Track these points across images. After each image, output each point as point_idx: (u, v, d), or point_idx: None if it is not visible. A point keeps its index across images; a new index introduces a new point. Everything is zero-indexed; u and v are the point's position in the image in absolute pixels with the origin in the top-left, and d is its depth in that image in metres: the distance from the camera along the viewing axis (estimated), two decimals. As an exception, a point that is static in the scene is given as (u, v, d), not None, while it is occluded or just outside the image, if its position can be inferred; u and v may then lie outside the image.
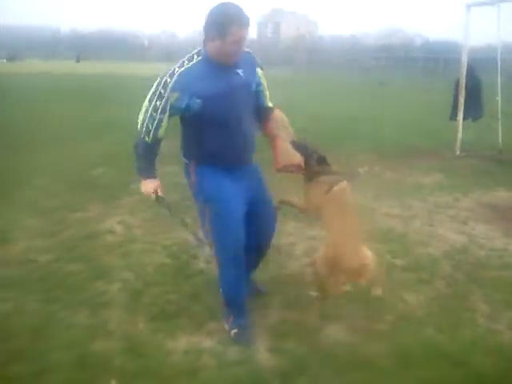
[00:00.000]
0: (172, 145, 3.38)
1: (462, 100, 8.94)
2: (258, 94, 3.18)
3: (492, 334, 3.25)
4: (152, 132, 2.84)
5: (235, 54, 2.85)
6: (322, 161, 3.36)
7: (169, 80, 2.77)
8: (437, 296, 3.73)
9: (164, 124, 2.84)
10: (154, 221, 5.06)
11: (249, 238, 3.06)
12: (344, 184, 3.33)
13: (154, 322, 3.27)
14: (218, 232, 3.01)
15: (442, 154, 8.86)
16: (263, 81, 3.21)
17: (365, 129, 11.55)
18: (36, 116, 12.04)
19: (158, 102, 2.78)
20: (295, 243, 4.69)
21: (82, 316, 3.35)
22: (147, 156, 2.96)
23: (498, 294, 3.73)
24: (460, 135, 8.90)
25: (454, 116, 9.30)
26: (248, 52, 3.07)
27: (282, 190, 4.08)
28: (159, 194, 3.06)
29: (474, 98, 9.23)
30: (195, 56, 2.89)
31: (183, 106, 2.80)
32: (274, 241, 4.57)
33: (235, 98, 2.89)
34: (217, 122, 2.88)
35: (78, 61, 52.83)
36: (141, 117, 2.86)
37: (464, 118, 9.07)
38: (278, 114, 3.29)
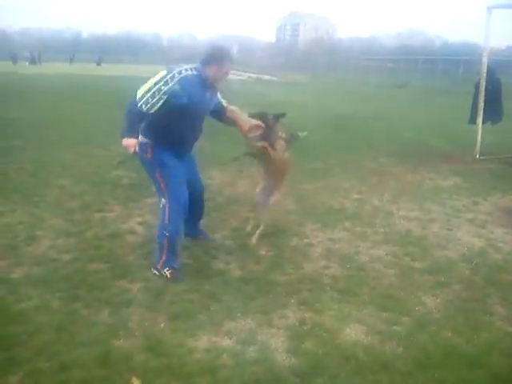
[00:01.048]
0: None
1: (481, 102, 8.88)
2: (218, 107, 4.19)
3: (509, 336, 3.27)
4: (149, 105, 3.69)
5: (223, 79, 3.99)
6: (276, 118, 4.46)
7: (177, 76, 3.72)
8: (455, 299, 3.75)
9: (159, 104, 3.70)
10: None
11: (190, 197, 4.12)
12: (282, 142, 4.53)
13: (174, 321, 3.33)
14: (172, 190, 3.97)
15: (461, 157, 8.82)
16: (220, 98, 4.23)
17: (383, 131, 11.54)
18: (59, 116, 12.22)
19: (163, 87, 3.67)
20: (312, 245, 4.72)
21: (104, 314, 3.41)
22: (136, 121, 3.82)
23: (516, 298, 3.74)
24: (479, 138, 8.85)
25: (472, 120, 9.24)
26: None
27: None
28: (136, 150, 3.87)
29: (493, 100, 9.15)
30: (194, 70, 3.84)
31: (176, 96, 3.70)
32: (292, 242, 4.68)
33: (204, 108, 3.99)
34: (187, 120, 3.88)
35: (99, 64, 53.27)
36: (142, 92, 3.71)
37: (483, 122, 9.01)
38: (231, 107, 4.26)
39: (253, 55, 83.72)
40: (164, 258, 4.01)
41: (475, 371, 2.87)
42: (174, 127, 3.87)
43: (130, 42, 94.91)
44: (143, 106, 3.69)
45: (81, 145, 8.88)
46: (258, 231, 4.74)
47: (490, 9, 8.65)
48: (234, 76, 38.85)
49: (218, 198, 6.00)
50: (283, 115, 4.50)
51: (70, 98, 16.52)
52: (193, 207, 4.28)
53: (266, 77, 40.73)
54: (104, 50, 77.54)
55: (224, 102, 4.25)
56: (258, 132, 4.26)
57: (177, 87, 3.69)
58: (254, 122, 4.18)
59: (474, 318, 3.46)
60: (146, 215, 5.29)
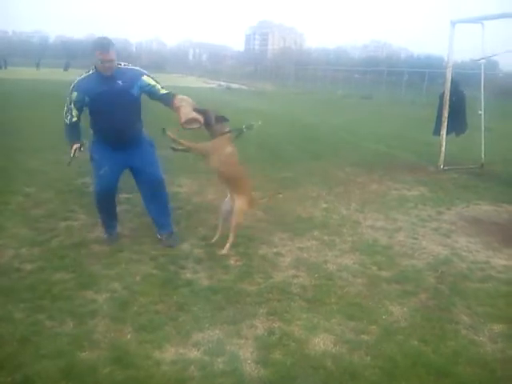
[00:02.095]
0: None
1: (445, 114, 9.09)
2: (150, 91, 4.49)
3: (474, 345, 3.32)
4: (68, 116, 4.44)
5: (103, 69, 4.27)
6: (219, 119, 4.57)
7: (72, 84, 4.38)
8: (421, 307, 3.80)
9: (74, 112, 4.43)
10: (142, 230, 5.08)
11: (141, 185, 4.77)
12: (228, 136, 4.62)
13: (141, 332, 3.28)
14: (95, 180, 4.71)
15: (425, 168, 9.00)
16: (150, 81, 4.48)
17: (349, 141, 11.69)
18: (23, 122, 11.96)
19: (67, 98, 4.41)
20: (281, 254, 4.72)
21: (69, 325, 3.34)
22: (71, 131, 4.53)
23: (480, 306, 3.82)
24: (443, 149, 9.05)
25: (437, 131, 9.44)
26: (132, 68, 4.52)
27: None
28: (81, 149, 4.48)
29: (457, 112, 9.39)
30: (91, 70, 4.37)
31: (79, 100, 4.36)
32: (261, 251, 4.68)
33: (113, 98, 4.32)
34: (100, 113, 4.39)
35: (66, 69, 52.39)
36: (64, 110, 4.46)
37: (447, 133, 9.22)
38: (183, 97, 4.45)
39: (222, 63, 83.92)
40: (103, 228, 4.90)
41: (442, 380, 2.92)
42: (98, 122, 4.50)
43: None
44: (66, 121, 4.48)
45: (47, 151, 8.68)
46: (228, 243, 4.67)
47: (453, 23, 8.89)
48: (204, 84, 38.86)
49: (186, 207, 5.97)
50: (226, 119, 4.65)
51: (36, 104, 16.22)
52: (144, 193, 4.81)
53: (235, 85, 40.85)
54: (72, 54, 76.40)
55: (163, 90, 4.50)
56: (195, 126, 4.39)
57: (75, 93, 4.34)
58: (193, 115, 4.32)
59: (440, 327, 3.52)
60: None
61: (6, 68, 49.45)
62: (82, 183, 6.78)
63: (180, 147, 4.62)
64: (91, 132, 4.64)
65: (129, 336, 3.25)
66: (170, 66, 74.60)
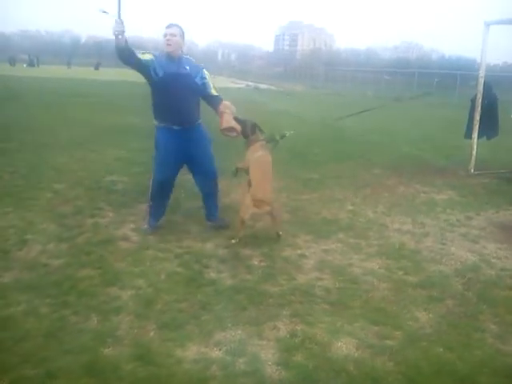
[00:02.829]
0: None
1: (477, 117, 8.91)
2: (204, 85, 4.88)
3: (501, 354, 3.24)
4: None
5: (166, 46, 4.63)
6: (254, 127, 5.02)
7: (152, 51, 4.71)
8: (447, 314, 3.73)
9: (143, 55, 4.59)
10: (168, 228, 5.11)
11: (196, 173, 5.14)
12: (262, 143, 5.03)
13: (164, 330, 3.30)
14: (155, 170, 4.96)
15: (455, 172, 8.84)
16: (207, 77, 4.90)
17: (378, 143, 11.57)
18: (54, 119, 12.20)
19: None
20: (305, 256, 4.70)
21: (93, 321, 3.38)
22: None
23: (508, 315, 3.72)
24: (474, 153, 8.87)
25: (468, 135, 9.26)
26: (193, 60, 4.89)
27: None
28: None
29: (489, 116, 9.18)
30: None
31: (152, 64, 4.58)
32: (284, 253, 4.66)
33: (180, 80, 4.66)
34: (166, 93, 4.65)
35: (97, 68, 53.25)
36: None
37: (479, 136, 9.04)
38: (227, 103, 4.88)
39: (251, 64, 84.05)
40: (145, 222, 5.07)
41: (466, 388, 2.86)
42: (162, 102, 4.74)
43: (131, 47, 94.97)
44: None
45: (75, 149, 8.85)
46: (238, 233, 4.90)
47: (487, 24, 8.71)
48: (232, 84, 38.97)
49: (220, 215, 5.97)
50: (259, 128, 5.08)
51: (66, 102, 16.52)
52: (201, 185, 5.19)
53: (264, 86, 40.86)
54: (103, 54, 77.56)
55: (214, 92, 4.94)
56: (233, 134, 4.85)
57: (151, 56, 4.62)
58: (233, 124, 4.77)
59: (466, 335, 3.44)
60: (139, 221, 5.26)
61: (38, 66, 50.49)
62: (110, 181, 6.87)
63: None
64: (154, 121, 4.91)
65: (152, 333, 3.27)
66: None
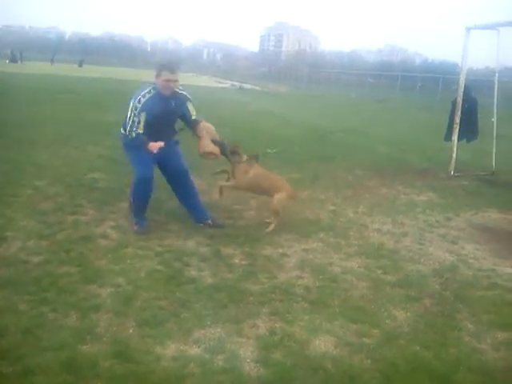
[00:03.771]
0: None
1: (457, 120, 9.03)
2: (185, 114, 5.07)
3: (477, 352, 3.30)
4: (134, 131, 4.79)
5: (165, 89, 4.84)
6: (233, 151, 5.19)
7: (138, 104, 4.77)
8: (424, 313, 3.78)
9: (141, 128, 4.78)
10: (149, 227, 5.09)
11: (170, 174, 5.28)
12: (248, 163, 5.25)
13: (143, 328, 3.30)
14: (136, 166, 5.01)
15: (435, 173, 8.95)
16: (190, 107, 5.08)
17: (361, 145, 11.65)
18: (35, 116, 12.04)
19: (133, 116, 4.78)
20: (286, 255, 4.72)
21: (72, 318, 3.36)
22: (141, 138, 4.80)
23: (484, 314, 3.80)
24: (454, 155, 8.99)
25: (448, 136, 9.39)
26: (182, 92, 5.08)
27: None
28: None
29: (469, 119, 9.32)
30: (152, 89, 4.86)
31: (146, 119, 4.78)
32: (266, 251, 4.68)
33: (166, 116, 4.91)
34: (151, 126, 4.81)
35: (80, 65, 52.65)
36: (127, 124, 4.84)
37: (459, 139, 9.16)
38: (206, 124, 5.04)
39: (236, 63, 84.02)
40: (134, 222, 5.05)
41: (441, 386, 2.90)
42: (145, 132, 4.83)
43: (114, 44, 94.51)
44: (132, 134, 4.80)
45: (58, 145, 8.77)
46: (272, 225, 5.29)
47: (468, 29, 8.83)
48: (216, 84, 38.89)
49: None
50: (238, 153, 5.26)
51: (49, 98, 16.34)
52: (177, 186, 5.32)
53: (248, 86, 40.86)
54: (87, 51, 76.96)
55: (194, 115, 5.09)
56: (211, 157, 5.06)
57: (144, 113, 4.76)
58: (210, 149, 4.95)
59: (442, 333, 3.50)
60: (119, 219, 5.24)
61: (21, 62, 49.85)
62: (92, 178, 6.82)
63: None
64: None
65: (131, 331, 3.27)
66: (184, 65, 74.93)
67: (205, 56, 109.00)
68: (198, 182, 6.97)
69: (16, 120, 11.09)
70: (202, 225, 5.25)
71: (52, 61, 54.77)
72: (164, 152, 4.94)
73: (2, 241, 4.52)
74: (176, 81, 4.90)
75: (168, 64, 4.96)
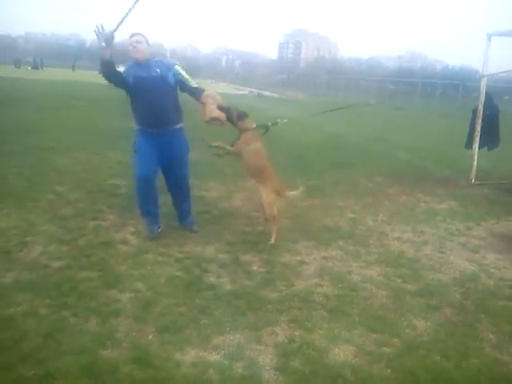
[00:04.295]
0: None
1: (478, 128, 8.94)
2: (180, 81, 4.90)
3: (498, 364, 3.26)
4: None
5: (134, 53, 4.76)
6: (241, 116, 5.03)
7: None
8: (445, 323, 3.74)
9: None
10: (168, 233, 5.13)
11: (169, 174, 5.16)
12: (254, 133, 5.08)
13: (163, 333, 3.32)
14: (137, 164, 4.94)
15: (456, 181, 8.85)
16: (181, 71, 4.89)
17: (380, 151, 11.58)
18: (58, 122, 12.23)
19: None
20: (305, 262, 4.71)
21: (92, 323, 3.40)
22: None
23: (506, 325, 3.74)
24: (475, 163, 8.89)
25: (469, 145, 9.27)
26: (165, 60, 5.16)
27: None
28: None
29: (490, 126, 9.20)
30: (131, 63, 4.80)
31: (126, 74, 4.72)
32: (284, 259, 4.67)
33: (151, 84, 4.74)
34: (141, 97, 4.76)
35: (100, 72, 53.24)
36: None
37: (480, 147, 9.06)
38: (211, 93, 4.94)
39: (255, 71, 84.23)
40: (145, 225, 5.09)
41: (462, 397, 2.87)
42: (139, 107, 4.85)
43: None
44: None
45: (78, 151, 8.89)
46: (273, 234, 5.11)
47: (489, 36, 8.75)
48: (235, 90, 39.06)
49: (213, 211, 6.01)
50: (246, 115, 5.12)
51: (70, 104, 16.57)
52: (173, 187, 5.25)
53: (267, 93, 40.93)
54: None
55: (195, 83, 4.94)
56: (217, 123, 4.87)
57: (122, 67, 4.79)
58: (216, 114, 4.80)
59: (463, 343, 3.46)
60: (139, 225, 5.28)
61: (42, 69, 50.61)
62: (112, 184, 6.89)
63: (222, 152, 5.22)
64: (134, 124, 5.01)
65: (150, 336, 3.29)
66: (203, 72, 75.33)
67: (223, 63, 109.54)
68: (218, 187, 7.06)
69: (38, 126, 11.27)
70: (180, 225, 5.37)
71: (73, 67, 55.56)
72: (172, 153, 4.97)
73: (24, 245, 4.59)
74: (138, 42, 4.76)
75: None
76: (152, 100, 4.75)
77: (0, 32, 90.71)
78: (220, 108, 4.87)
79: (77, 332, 3.28)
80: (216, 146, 5.22)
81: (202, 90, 4.92)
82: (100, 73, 4.92)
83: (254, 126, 5.14)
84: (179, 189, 5.27)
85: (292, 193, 5.30)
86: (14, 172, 7.10)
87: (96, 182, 6.95)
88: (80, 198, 6.12)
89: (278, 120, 5.33)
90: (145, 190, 4.98)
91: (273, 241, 5.07)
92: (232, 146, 5.11)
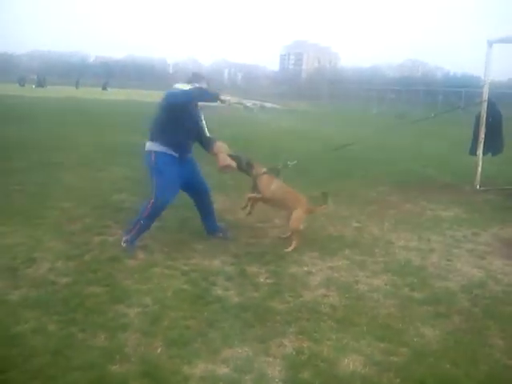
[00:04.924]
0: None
1: (482, 134, 8.95)
2: (202, 129, 5.28)
3: (509, 369, 3.24)
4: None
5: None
6: (248, 164, 5.41)
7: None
8: (453, 330, 3.72)
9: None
10: (174, 246, 5.14)
11: (194, 194, 5.44)
12: (268, 175, 5.43)
13: (171, 347, 3.31)
14: (158, 192, 4.96)
15: (461, 188, 8.85)
16: (204, 123, 5.30)
17: (383, 160, 11.60)
18: (63, 139, 12.32)
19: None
20: (311, 273, 4.71)
21: (100, 338, 3.40)
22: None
23: (516, 331, 3.72)
24: (480, 169, 8.89)
25: (473, 150, 9.29)
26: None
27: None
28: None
29: (494, 132, 9.20)
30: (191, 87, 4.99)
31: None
32: (291, 270, 4.67)
33: (193, 116, 5.12)
34: (181, 121, 4.94)
35: (104, 88, 53.64)
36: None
37: (484, 153, 9.06)
38: (221, 144, 5.23)
39: (256, 83, 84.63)
40: (129, 236, 5.03)
41: (473, 405, 2.85)
42: (178, 132, 4.95)
43: (137, 66, 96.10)
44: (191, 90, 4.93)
45: (84, 167, 8.95)
46: (293, 243, 5.32)
47: (490, 42, 8.79)
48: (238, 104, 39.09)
49: (218, 223, 6.00)
50: (251, 165, 5.44)
51: (74, 121, 16.68)
52: (200, 204, 5.50)
53: (269, 104, 41.01)
54: (110, 74, 78.46)
55: (208, 133, 5.30)
56: (229, 170, 5.32)
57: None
58: (229, 162, 5.16)
59: (472, 351, 3.44)
60: (146, 239, 5.28)
61: (45, 87, 50.97)
62: (118, 199, 6.93)
63: (250, 202, 5.58)
64: (151, 145, 5.02)
65: (159, 350, 3.29)
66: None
67: (226, 76, 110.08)
68: (222, 199, 7.08)
69: (43, 143, 11.36)
70: (211, 235, 5.55)
71: (77, 84, 55.97)
72: (190, 169, 5.22)
73: (31, 262, 4.60)
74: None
75: (202, 74, 5.44)
76: (190, 127, 5.08)
77: (4, 50, 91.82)
78: (230, 157, 5.23)
79: (85, 347, 3.27)
80: (248, 199, 5.57)
81: (215, 141, 5.24)
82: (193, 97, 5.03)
83: (264, 169, 5.46)
84: (208, 203, 5.52)
85: (322, 207, 5.67)
86: (19, 189, 7.15)
87: (102, 197, 6.99)
88: (86, 214, 6.15)
89: (289, 162, 5.74)
90: (159, 212, 5.13)
91: (290, 249, 5.24)
92: (252, 193, 5.50)
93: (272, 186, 5.38)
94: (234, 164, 5.22)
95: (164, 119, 5.00)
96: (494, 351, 3.45)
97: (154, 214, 5.06)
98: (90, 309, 3.77)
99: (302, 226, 5.40)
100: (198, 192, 5.42)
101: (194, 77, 5.23)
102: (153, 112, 5.18)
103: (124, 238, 5.06)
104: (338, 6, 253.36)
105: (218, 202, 6.98)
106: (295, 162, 5.66)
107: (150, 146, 5.04)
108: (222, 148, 5.21)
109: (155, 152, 4.99)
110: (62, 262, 4.65)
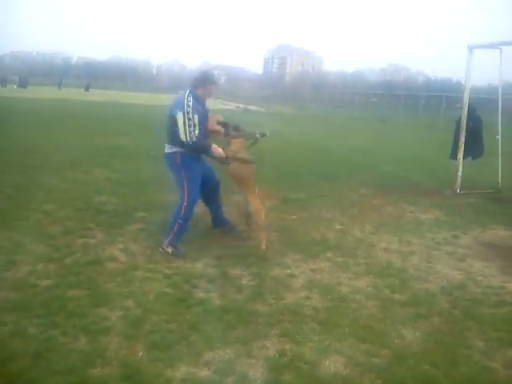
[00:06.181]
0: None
1: (462, 139, 9.07)
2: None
3: (487, 371, 3.28)
4: (193, 135, 4.91)
5: (209, 95, 5.34)
6: (236, 127, 5.43)
7: (189, 108, 4.92)
8: (433, 331, 3.76)
9: (197, 130, 4.94)
10: (156, 249, 5.12)
11: (209, 188, 5.48)
12: (242, 141, 5.45)
13: (153, 350, 3.30)
14: (190, 191, 5.11)
15: (441, 191, 8.96)
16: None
17: (365, 164, 11.69)
18: (44, 141, 12.18)
19: (187, 120, 4.90)
20: (294, 275, 4.72)
21: (81, 342, 3.36)
22: (201, 142, 5.05)
23: (494, 332, 3.77)
24: (460, 173, 9.01)
25: (454, 155, 9.42)
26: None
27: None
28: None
29: (474, 137, 9.35)
30: (190, 93, 5.03)
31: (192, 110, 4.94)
32: (273, 272, 4.68)
33: (204, 115, 5.16)
34: (200, 130, 5.01)
35: (87, 89, 53.28)
36: (187, 132, 4.90)
37: (464, 157, 9.18)
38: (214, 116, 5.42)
39: (241, 86, 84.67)
40: (170, 238, 5.07)
41: (452, 405, 2.88)
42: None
43: (120, 68, 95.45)
44: (192, 139, 4.91)
45: (65, 170, 8.85)
46: (263, 240, 5.30)
47: (471, 48, 8.92)
48: (221, 105, 39.19)
49: (199, 225, 5.99)
50: (240, 128, 5.50)
51: (56, 123, 16.52)
52: (212, 197, 5.64)
53: (253, 107, 41.14)
54: (93, 75, 77.87)
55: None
56: (216, 135, 5.36)
57: (196, 116, 4.93)
58: (216, 128, 5.30)
59: (452, 352, 3.48)
60: (127, 242, 5.27)
61: (26, 87, 50.41)
62: (99, 201, 6.87)
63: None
64: (176, 148, 5.08)
65: (141, 354, 3.27)
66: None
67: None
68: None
69: (24, 145, 11.22)
70: (221, 230, 5.75)
71: (59, 85, 55.48)
72: (204, 167, 5.38)
73: (12, 265, 4.54)
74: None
75: (214, 75, 5.69)
76: (203, 125, 5.10)
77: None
78: (219, 123, 5.36)
79: (66, 351, 3.24)
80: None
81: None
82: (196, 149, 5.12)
83: (243, 140, 5.46)
84: (219, 195, 5.73)
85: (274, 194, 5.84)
86: None
87: (83, 199, 6.92)
88: (68, 216, 6.09)
89: (266, 132, 5.62)
90: (193, 209, 5.28)
91: (264, 247, 5.23)
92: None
93: (240, 153, 5.34)
94: (221, 129, 5.32)
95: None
96: (474, 352, 3.49)
97: (189, 212, 5.18)
98: (71, 312, 3.74)
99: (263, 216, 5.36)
100: (210, 184, 5.49)
101: (201, 81, 5.22)
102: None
103: (165, 242, 5.09)
104: (321, 10, 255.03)
105: (200, 203, 6.96)
106: (267, 133, 5.64)
107: (172, 148, 5.12)
108: (213, 117, 5.37)
109: (180, 153, 5.07)
110: (42, 264, 4.60)
